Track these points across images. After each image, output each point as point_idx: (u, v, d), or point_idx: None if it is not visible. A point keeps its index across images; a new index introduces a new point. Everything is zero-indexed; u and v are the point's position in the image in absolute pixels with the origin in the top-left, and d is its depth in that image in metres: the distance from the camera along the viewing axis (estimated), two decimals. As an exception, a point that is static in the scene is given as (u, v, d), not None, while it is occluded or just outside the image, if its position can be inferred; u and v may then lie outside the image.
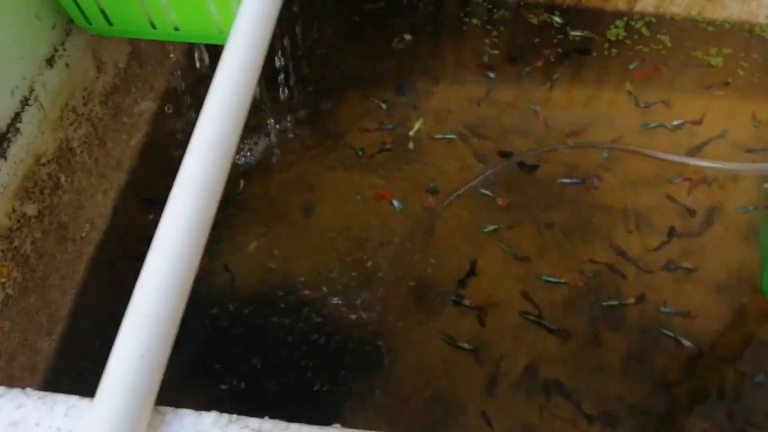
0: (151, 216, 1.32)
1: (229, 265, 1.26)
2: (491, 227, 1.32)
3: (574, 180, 1.40)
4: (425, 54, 1.65)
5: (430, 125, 1.50)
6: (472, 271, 1.26)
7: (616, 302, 1.23)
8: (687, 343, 1.19)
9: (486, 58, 1.63)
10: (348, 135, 1.48)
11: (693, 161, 1.43)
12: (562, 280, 1.25)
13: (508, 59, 1.64)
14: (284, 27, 1.62)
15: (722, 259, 1.31)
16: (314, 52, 1.64)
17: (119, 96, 1.33)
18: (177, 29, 1.07)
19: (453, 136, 1.47)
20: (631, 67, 1.63)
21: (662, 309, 1.22)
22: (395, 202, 1.35)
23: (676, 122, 1.52)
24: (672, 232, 1.33)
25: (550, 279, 1.25)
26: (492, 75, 1.60)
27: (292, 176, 1.41)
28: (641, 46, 1.68)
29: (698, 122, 1.53)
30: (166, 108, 1.50)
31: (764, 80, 1.64)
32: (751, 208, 1.38)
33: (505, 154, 1.44)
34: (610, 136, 1.49)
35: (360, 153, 1.44)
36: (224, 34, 1.06)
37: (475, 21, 1.71)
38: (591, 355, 1.18)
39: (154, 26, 1.07)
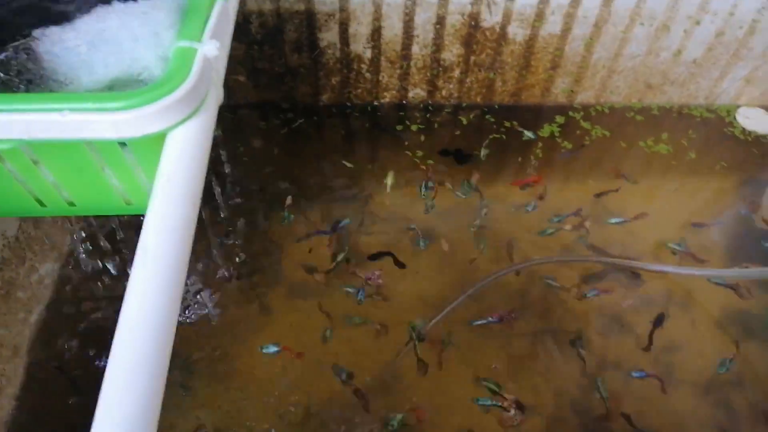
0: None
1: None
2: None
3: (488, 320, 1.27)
4: (369, 165, 1.52)
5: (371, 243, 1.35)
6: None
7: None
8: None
9: (426, 165, 1.51)
10: (288, 261, 1.30)
11: (683, 270, 1.33)
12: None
13: (448, 164, 1.52)
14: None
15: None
16: (248, 178, 1.47)
17: (10, 270, 1.11)
18: (72, 204, 0.87)
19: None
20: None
21: None
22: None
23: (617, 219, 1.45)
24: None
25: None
26: (431, 184, 1.47)
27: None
28: (573, 142, 1.62)
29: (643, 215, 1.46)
30: (71, 266, 1.28)
31: (706, 161, 1.60)
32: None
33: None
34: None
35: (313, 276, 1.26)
36: (132, 205, 0.87)
37: (414, 127, 1.60)
38: None
39: (42, 204, 0.87)
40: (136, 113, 0.64)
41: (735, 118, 1.73)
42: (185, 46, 0.70)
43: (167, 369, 0.53)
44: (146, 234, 0.59)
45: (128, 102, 0.65)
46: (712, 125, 1.71)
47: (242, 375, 1.14)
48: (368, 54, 1.50)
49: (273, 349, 1.17)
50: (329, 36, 1.44)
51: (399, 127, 1.60)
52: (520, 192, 1.48)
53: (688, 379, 1.19)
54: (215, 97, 0.73)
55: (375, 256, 1.33)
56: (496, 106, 1.67)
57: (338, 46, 1.47)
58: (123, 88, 0.76)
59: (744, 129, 1.71)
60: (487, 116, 1.65)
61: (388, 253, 1.33)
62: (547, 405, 1.13)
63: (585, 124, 1.66)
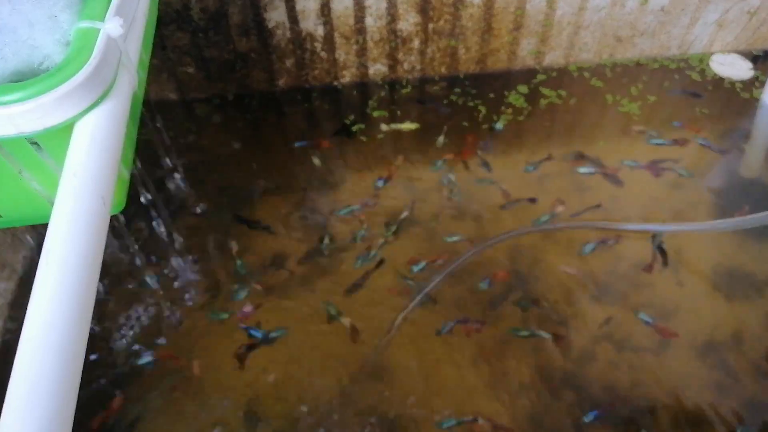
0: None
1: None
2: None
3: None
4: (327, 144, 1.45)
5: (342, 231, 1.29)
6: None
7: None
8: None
9: (389, 147, 1.45)
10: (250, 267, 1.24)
11: (656, 227, 1.27)
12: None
13: (416, 146, 1.46)
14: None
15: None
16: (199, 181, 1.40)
17: (-47, 294, 1.04)
18: (-1, 216, 0.80)
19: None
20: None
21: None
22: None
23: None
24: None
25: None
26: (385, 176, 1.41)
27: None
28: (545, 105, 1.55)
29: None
30: (27, 284, 1.21)
31: (680, 113, 1.54)
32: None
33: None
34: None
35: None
36: (63, 211, 0.80)
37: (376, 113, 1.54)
38: None
39: (-35, 218, 0.80)
40: (32, 104, 0.57)
41: (709, 65, 1.67)
42: (86, 26, 0.63)
43: (78, 383, 0.47)
44: (50, 237, 0.53)
45: (23, 93, 0.57)
46: (686, 75, 1.65)
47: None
48: (320, 31, 1.42)
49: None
50: (276, 15, 1.37)
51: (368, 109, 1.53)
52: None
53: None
54: (127, 81, 0.66)
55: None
56: (462, 76, 1.60)
57: (287, 25, 1.39)
58: (27, 82, 0.69)
59: (718, 76, 1.65)
60: (455, 89, 1.58)
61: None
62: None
63: (546, 91, 1.58)
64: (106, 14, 0.65)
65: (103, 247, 0.55)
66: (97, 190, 0.56)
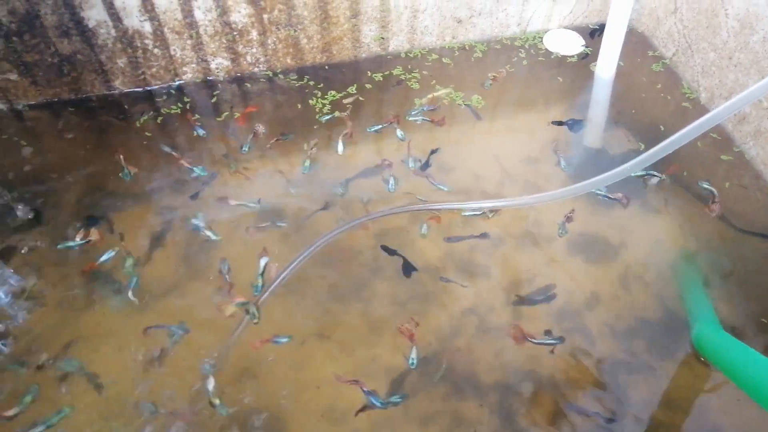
0: None
1: None
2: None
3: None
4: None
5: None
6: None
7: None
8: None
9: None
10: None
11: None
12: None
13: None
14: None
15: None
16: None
17: None
18: None
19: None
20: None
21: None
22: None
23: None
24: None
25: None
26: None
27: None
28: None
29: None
30: None
31: (511, 93, 1.61)
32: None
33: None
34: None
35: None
36: None
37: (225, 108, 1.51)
38: None
39: None
40: None
41: (542, 41, 1.74)
42: None
43: None
44: None
45: None
46: (522, 53, 1.70)
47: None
48: (148, 27, 1.38)
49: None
50: (95, 14, 1.31)
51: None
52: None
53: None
54: None
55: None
56: (309, 66, 1.60)
57: (110, 23, 1.34)
58: None
59: (550, 52, 1.72)
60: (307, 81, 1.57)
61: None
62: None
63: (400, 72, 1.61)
64: None
65: None
66: None
